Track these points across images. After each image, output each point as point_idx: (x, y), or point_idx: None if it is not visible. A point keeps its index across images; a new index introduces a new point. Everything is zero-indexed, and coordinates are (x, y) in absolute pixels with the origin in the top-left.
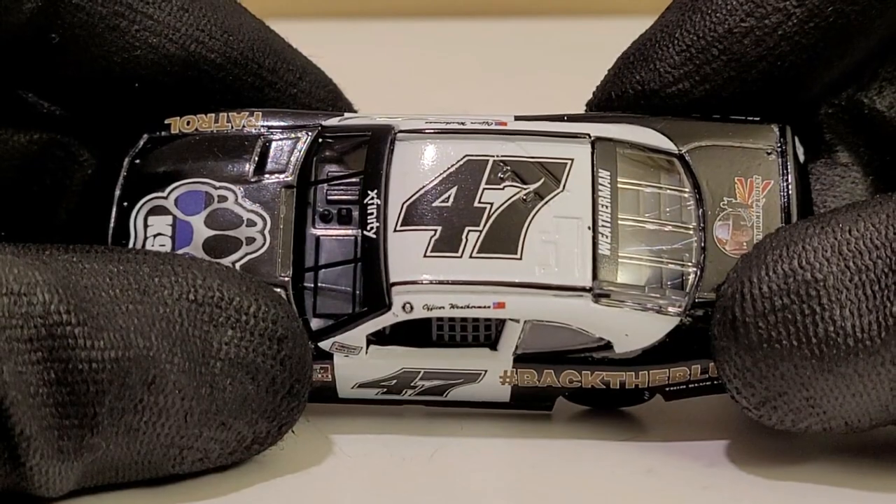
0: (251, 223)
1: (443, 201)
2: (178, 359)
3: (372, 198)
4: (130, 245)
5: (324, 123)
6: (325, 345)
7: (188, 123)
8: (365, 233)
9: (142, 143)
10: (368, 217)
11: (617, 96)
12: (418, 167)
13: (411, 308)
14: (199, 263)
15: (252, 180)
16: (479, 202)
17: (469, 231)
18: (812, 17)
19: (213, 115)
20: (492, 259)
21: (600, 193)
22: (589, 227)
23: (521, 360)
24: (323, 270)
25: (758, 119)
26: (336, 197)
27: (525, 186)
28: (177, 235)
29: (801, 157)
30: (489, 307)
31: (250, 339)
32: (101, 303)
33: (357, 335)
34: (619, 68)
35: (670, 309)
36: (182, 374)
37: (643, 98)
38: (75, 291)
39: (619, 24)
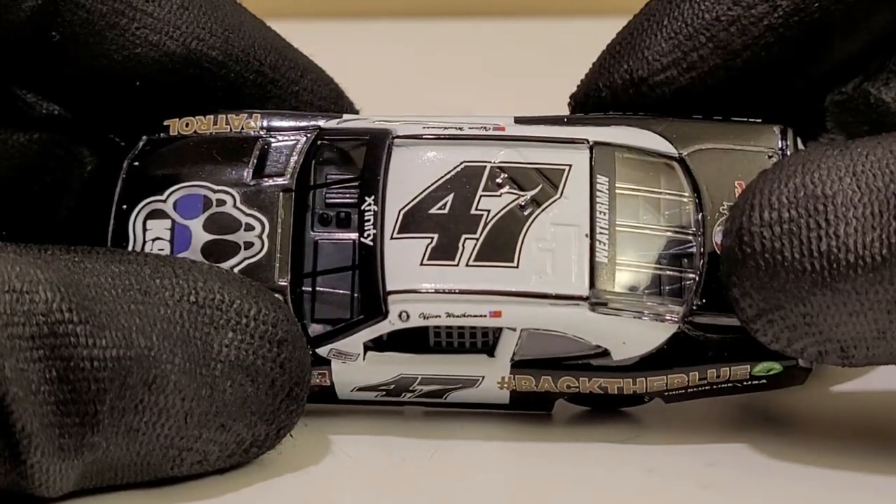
0: (249, 227)
1: (439, 208)
2: (179, 360)
3: (369, 204)
4: (129, 248)
5: (322, 125)
6: (322, 351)
7: (187, 125)
8: (362, 240)
9: (140, 144)
10: (365, 224)
11: (604, 86)
12: (415, 174)
13: (407, 317)
14: (199, 266)
15: (250, 184)
16: (476, 209)
17: (466, 239)
18: (797, 12)
19: (211, 116)
20: (488, 267)
21: (598, 199)
22: (586, 235)
23: (518, 366)
24: (321, 276)
25: (759, 120)
26: (335, 200)
27: (522, 193)
28: (175, 240)
29: None
30: (485, 316)
31: (250, 341)
32: (102, 302)
33: (354, 342)
34: (605, 59)
35: (668, 317)
36: (183, 374)
37: (631, 86)
38: (77, 290)
39: (618, 24)
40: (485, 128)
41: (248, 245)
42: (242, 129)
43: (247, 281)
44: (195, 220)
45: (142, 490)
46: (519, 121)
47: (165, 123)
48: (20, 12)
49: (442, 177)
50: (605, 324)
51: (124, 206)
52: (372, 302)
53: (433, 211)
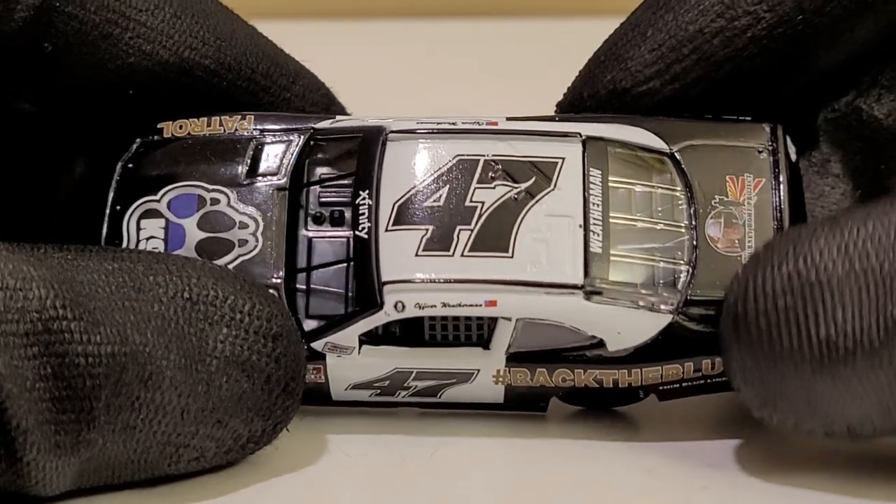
0: (243, 225)
1: (434, 201)
2: (174, 356)
3: (363, 198)
4: (124, 247)
5: (316, 126)
6: (317, 345)
7: (180, 127)
8: (357, 233)
9: (134, 147)
10: (360, 217)
11: (589, 96)
12: (409, 167)
13: (403, 307)
14: (193, 262)
15: (244, 183)
16: (471, 201)
17: (460, 230)
18: (781, 24)
19: (205, 119)
20: (483, 257)
21: (591, 192)
22: (580, 226)
23: (513, 359)
24: (315, 272)
25: (749, 119)
26: (328, 199)
27: (516, 185)
28: (169, 238)
29: (794, 156)
30: (481, 305)
31: (245, 336)
32: (97, 299)
33: (349, 335)
34: (590, 68)
35: (662, 307)
36: (178, 371)
37: (614, 97)
38: (71, 287)
39: (618, 24)
40: (478, 122)
41: (243, 242)
42: (236, 130)
43: (240, 277)
44: (189, 219)
45: (139, 490)
46: (511, 120)
47: (159, 126)
48: (12, 23)
49: (436, 170)
50: (599, 313)
51: (118, 207)
52: (367, 293)
53: (428, 203)
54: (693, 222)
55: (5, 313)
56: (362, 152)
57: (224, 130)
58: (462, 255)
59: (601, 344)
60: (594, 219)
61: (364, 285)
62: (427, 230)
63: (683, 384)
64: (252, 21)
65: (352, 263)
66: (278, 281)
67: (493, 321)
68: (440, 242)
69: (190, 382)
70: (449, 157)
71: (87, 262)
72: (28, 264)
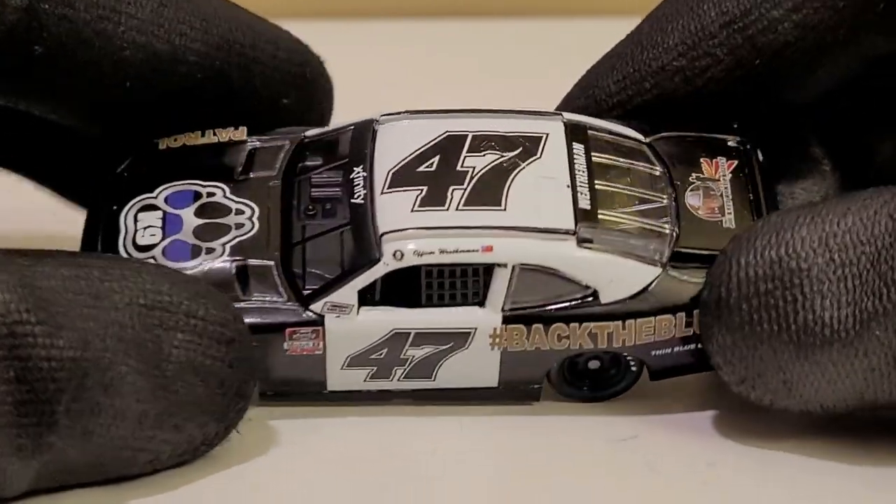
0: (240, 212)
1: (427, 167)
2: (133, 361)
3: (357, 172)
4: (121, 239)
5: (307, 134)
6: (316, 307)
7: (175, 140)
8: (353, 201)
9: (130, 160)
10: (355, 188)
11: None
12: (401, 142)
13: (402, 255)
14: (148, 268)
15: (239, 179)
16: (462, 167)
17: (454, 189)
18: (739, 66)
19: (199, 132)
20: (477, 210)
21: (576, 163)
22: (568, 186)
23: (510, 319)
24: (311, 241)
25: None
26: (320, 193)
27: (505, 154)
28: (167, 226)
29: (760, 159)
30: (477, 251)
31: (199, 342)
32: (58, 304)
33: (348, 292)
34: (572, 91)
35: (652, 258)
36: (138, 376)
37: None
38: (33, 291)
39: (618, 24)
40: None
41: (239, 226)
42: (230, 139)
43: (197, 282)
44: (186, 210)
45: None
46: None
47: (154, 141)
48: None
49: (427, 143)
50: (592, 260)
51: (114, 207)
52: (366, 247)
53: (421, 169)
54: (674, 193)
55: None
56: (354, 139)
57: (218, 140)
58: (457, 209)
59: (595, 297)
60: (580, 182)
61: (362, 241)
62: (421, 190)
63: (675, 350)
64: None
65: (349, 226)
66: (276, 254)
67: (489, 277)
68: (435, 199)
69: (149, 388)
70: (438, 132)
71: (44, 268)
72: None
